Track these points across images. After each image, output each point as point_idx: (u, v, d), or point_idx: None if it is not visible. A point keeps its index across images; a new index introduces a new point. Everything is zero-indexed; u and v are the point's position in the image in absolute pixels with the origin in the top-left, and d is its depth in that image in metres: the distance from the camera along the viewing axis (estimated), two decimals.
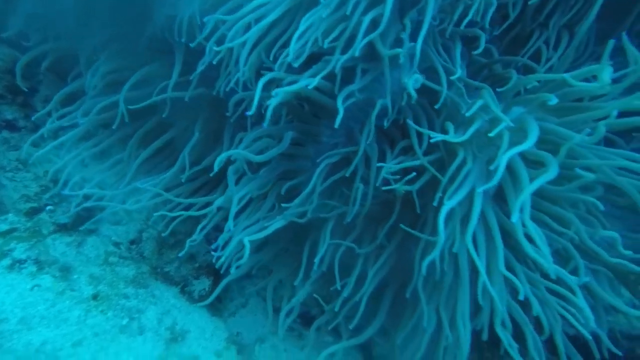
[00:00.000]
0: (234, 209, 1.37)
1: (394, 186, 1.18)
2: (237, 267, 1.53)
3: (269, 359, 1.73)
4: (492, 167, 0.99)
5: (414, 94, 1.13)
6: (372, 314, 1.65)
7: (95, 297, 1.42)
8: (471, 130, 1.06)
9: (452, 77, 1.16)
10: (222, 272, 1.60)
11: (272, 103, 1.10)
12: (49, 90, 2.29)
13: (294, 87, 1.11)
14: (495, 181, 0.96)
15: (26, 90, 2.35)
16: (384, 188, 1.23)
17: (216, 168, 1.29)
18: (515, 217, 0.94)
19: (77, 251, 1.67)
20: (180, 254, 1.81)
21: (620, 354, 1.18)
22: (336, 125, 1.09)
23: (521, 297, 1.02)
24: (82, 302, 1.36)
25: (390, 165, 1.19)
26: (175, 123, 1.78)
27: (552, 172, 0.97)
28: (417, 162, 1.15)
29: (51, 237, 1.66)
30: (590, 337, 1.09)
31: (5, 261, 1.33)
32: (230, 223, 1.38)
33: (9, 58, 2.35)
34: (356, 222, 1.44)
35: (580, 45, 1.39)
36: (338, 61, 1.09)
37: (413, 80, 1.16)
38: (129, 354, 1.33)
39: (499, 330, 1.11)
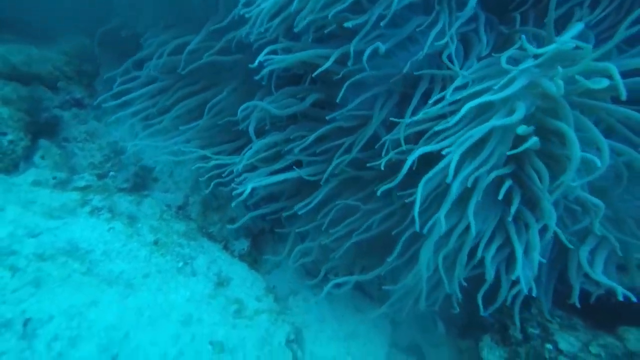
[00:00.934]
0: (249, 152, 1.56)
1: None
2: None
3: (301, 308, 1.93)
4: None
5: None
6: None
7: (156, 242, 1.66)
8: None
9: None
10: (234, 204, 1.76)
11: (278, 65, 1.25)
12: (108, 73, 2.58)
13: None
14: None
15: (90, 72, 2.67)
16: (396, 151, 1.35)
17: (239, 115, 1.48)
18: None
19: (137, 208, 1.94)
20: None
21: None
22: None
23: None
24: (146, 245, 1.61)
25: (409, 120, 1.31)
26: (219, 85, 1.99)
27: None
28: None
29: (117, 195, 1.93)
30: None
31: (86, 208, 1.60)
32: (245, 157, 1.57)
33: (78, 45, 2.67)
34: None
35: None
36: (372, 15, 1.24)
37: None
38: (186, 289, 1.57)
39: None
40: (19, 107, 2.11)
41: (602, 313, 1.24)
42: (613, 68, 1.03)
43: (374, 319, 2.03)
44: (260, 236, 2.35)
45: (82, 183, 1.81)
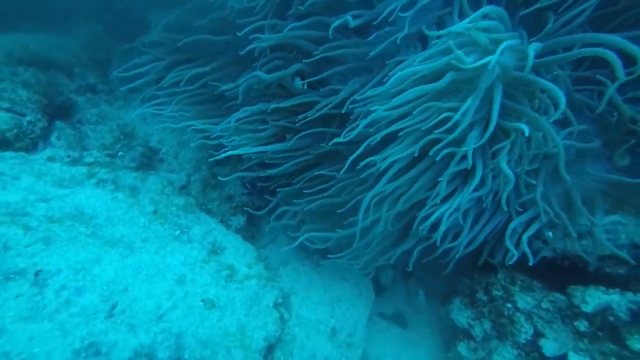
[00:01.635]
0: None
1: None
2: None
3: (290, 277, 2.06)
4: None
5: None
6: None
7: (155, 212, 1.82)
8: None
9: None
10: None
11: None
12: (120, 61, 2.74)
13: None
14: None
15: (103, 60, 2.84)
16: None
17: (241, 82, 1.61)
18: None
19: (141, 184, 2.10)
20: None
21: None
22: None
23: None
24: (146, 214, 1.77)
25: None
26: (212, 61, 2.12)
27: None
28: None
29: (122, 171, 2.10)
30: None
31: (93, 180, 1.76)
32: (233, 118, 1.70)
33: (91, 32, 2.85)
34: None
35: None
36: None
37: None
38: (181, 253, 1.72)
39: None
40: (36, 91, 2.30)
41: (557, 275, 1.31)
42: None
43: (358, 287, 2.14)
44: (257, 214, 2.49)
45: (91, 159, 1.98)
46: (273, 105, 1.72)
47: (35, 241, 1.36)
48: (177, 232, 1.83)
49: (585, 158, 1.40)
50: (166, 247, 1.69)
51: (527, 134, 1.11)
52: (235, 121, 1.79)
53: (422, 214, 1.37)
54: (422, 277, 2.24)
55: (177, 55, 2.26)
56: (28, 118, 2.20)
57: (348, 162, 1.40)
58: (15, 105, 2.16)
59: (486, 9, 1.25)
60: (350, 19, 1.36)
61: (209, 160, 2.07)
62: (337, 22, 1.37)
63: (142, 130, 2.63)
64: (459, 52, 1.12)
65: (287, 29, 1.54)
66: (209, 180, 2.43)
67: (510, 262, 1.40)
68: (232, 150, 1.84)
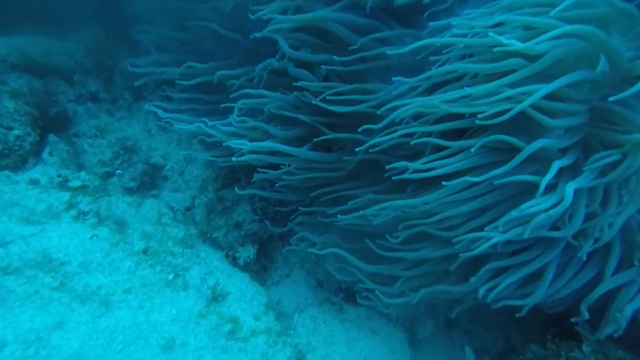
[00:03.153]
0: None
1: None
2: None
3: (307, 328, 1.69)
4: None
5: None
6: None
7: (145, 251, 1.49)
8: None
9: None
10: None
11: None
12: (125, 65, 2.44)
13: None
14: None
15: (109, 66, 2.56)
16: None
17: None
18: None
19: (137, 210, 1.78)
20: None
21: None
22: None
23: None
24: (133, 255, 1.44)
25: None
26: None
27: None
28: None
29: (115, 196, 1.79)
30: None
31: (72, 211, 1.45)
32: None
33: (97, 36, 2.57)
34: None
35: None
36: None
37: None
38: (172, 306, 1.38)
39: None
40: (27, 101, 2.03)
41: None
42: None
43: (390, 343, 1.74)
44: (269, 243, 2.13)
45: (77, 183, 1.68)
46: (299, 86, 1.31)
47: None
48: (171, 276, 1.49)
49: None
50: (154, 298, 1.35)
51: None
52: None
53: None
54: (470, 329, 1.81)
55: (184, 57, 1.94)
56: (16, 132, 1.93)
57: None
58: (1, 118, 1.89)
59: None
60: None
61: (222, 164, 1.72)
62: None
63: (145, 144, 2.32)
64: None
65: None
66: (214, 204, 2.09)
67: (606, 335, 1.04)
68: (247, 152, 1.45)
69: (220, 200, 2.05)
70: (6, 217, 1.29)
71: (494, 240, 1.01)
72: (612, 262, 1.11)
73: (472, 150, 0.99)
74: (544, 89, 0.90)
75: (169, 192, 2.23)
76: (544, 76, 0.93)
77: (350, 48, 1.21)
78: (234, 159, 1.51)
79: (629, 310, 1.07)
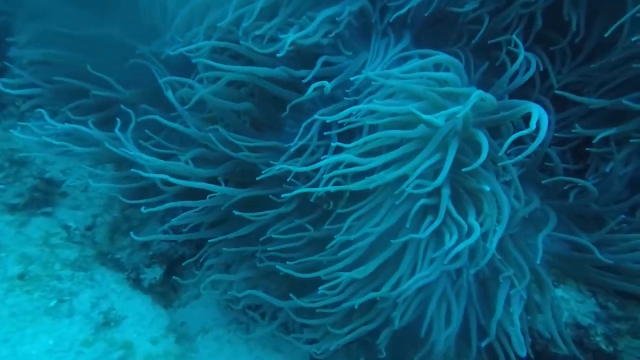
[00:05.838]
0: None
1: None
2: None
3: (211, 349, 1.61)
4: None
5: None
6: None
7: (21, 276, 1.31)
8: None
9: None
10: None
11: None
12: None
13: None
14: None
15: None
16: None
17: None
18: None
19: (17, 231, 1.56)
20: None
21: None
22: None
23: None
24: (4, 281, 1.25)
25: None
26: None
27: None
28: None
29: None
30: None
31: None
32: None
33: None
34: None
35: None
36: None
37: None
38: (49, 336, 1.22)
39: None
40: None
41: None
42: None
43: None
44: (180, 263, 2.02)
45: None
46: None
47: None
48: (53, 302, 1.32)
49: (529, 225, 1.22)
50: (25, 328, 1.19)
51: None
52: None
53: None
54: (366, 341, 1.90)
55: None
56: None
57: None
58: None
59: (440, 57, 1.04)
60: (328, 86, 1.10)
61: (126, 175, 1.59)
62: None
63: (39, 157, 2.07)
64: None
65: None
66: (120, 223, 1.93)
67: None
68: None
69: (127, 219, 1.91)
70: None
71: None
72: None
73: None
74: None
75: (67, 209, 2.00)
76: None
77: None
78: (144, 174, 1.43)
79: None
